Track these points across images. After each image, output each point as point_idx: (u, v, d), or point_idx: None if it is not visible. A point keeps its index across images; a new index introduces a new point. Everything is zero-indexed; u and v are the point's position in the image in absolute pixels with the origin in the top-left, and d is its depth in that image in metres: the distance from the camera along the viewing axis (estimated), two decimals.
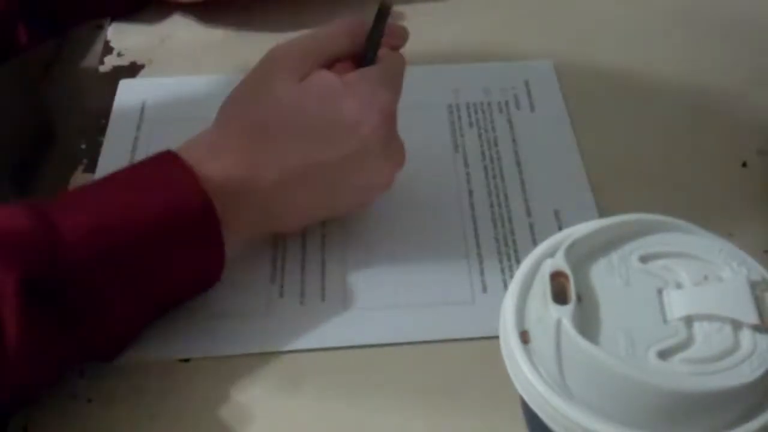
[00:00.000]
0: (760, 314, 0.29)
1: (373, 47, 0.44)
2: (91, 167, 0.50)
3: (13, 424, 0.39)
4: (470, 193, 0.48)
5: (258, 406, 0.40)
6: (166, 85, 0.56)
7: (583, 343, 0.28)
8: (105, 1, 0.60)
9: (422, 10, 0.61)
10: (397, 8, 0.61)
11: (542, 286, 0.30)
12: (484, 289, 0.44)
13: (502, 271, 0.44)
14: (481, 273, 0.44)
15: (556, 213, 0.47)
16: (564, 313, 0.28)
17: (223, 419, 0.39)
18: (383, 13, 0.44)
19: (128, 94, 0.55)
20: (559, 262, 0.30)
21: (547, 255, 0.31)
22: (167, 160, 0.39)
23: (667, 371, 0.28)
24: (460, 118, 0.53)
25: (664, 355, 0.28)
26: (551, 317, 0.29)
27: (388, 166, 0.43)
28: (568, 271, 0.30)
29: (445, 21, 0.60)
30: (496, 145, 0.51)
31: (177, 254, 0.39)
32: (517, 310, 0.31)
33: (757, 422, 0.28)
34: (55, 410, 0.40)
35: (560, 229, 0.46)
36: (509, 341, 0.30)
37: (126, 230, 0.37)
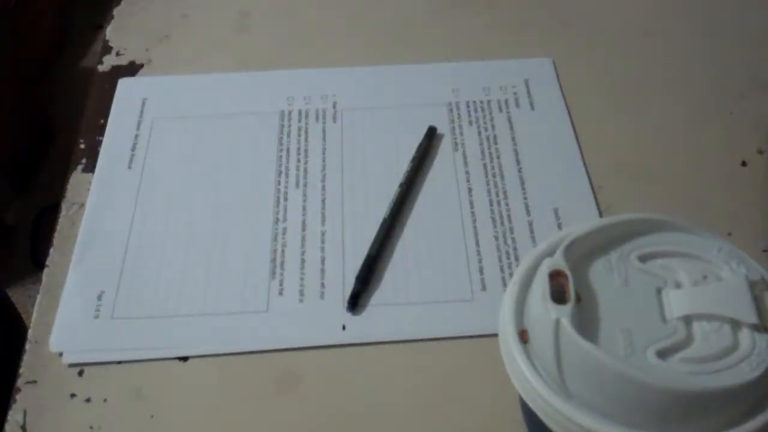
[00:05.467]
0: (759, 314, 0.29)
1: None
2: (91, 167, 0.50)
3: (12, 423, 0.39)
4: (470, 191, 0.48)
5: (257, 405, 0.40)
6: (165, 84, 0.56)
7: (582, 343, 0.28)
8: None
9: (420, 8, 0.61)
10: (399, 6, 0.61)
11: (541, 286, 0.30)
12: (483, 287, 0.44)
13: (501, 269, 0.44)
14: (480, 271, 0.44)
15: (556, 211, 0.47)
16: (563, 313, 0.28)
17: (222, 418, 0.39)
18: None
19: (127, 93, 0.55)
20: (558, 262, 0.30)
21: (546, 254, 0.31)
22: None
23: (666, 371, 0.28)
24: (459, 116, 0.53)
25: (663, 354, 0.28)
26: (550, 316, 0.28)
27: None
28: (567, 270, 0.30)
29: (444, 19, 0.60)
30: (495, 143, 0.51)
31: None
32: (515, 309, 0.31)
33: (756, 422, 0.27)
34: (54, 409, 0.40)
35: (559, 227, 0.46)
36: (508, 340, 0.30)
37: None
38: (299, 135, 0.52)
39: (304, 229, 0.47)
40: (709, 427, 0.27)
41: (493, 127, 0.52)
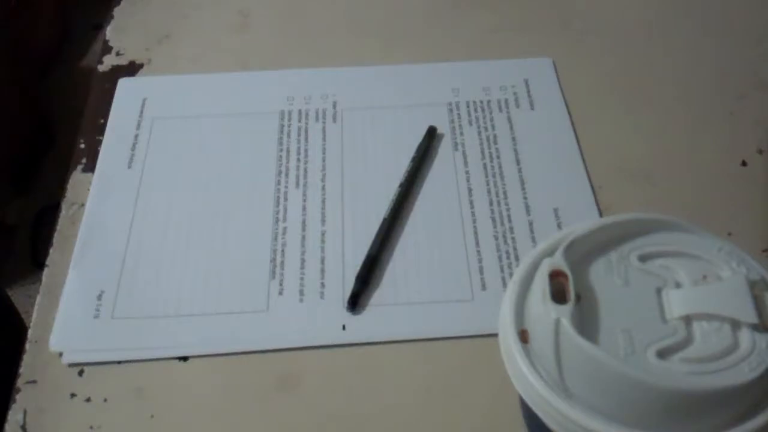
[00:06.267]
0: (759, 314, 0.29)
1: None
2: (91, 166, 0.50)
3: (11, 423, 0.39)
4: (470, 191, 0.48)
5: (257, 405, 0.40)
6: (165, 83, 0.56)
7: (582, 343, 0.28)
8: None
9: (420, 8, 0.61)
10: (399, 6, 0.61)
11: (541, 285, 0.30)
12: (484, 287, 0.44)
13: (502, 269, 0.44)
14: (481, 271, 0.44)
15: (556, 211, 0.47)
16: (563, 313, 0.28)
17: (222, 418, 0.39)
18: None
19: (127, 93, 0.55)
20: (558, 262, 0.30)
21: (546, 254, 0.31)
22: None
23: (666, 371, 0.28)
24: (459, 116, 0.53)
25: (663, 354, 0.28)
26: (550, 316, 0.28)
27: None
28: (567, 270, 0.30)
29: (444, 19, 0.60)
30: (495, 143, 0.51)
31: None
32: (515, 309, 0.31)
33: (756, 422, 0.27)
34: (54, 409, 0.40)
35: (559, 227, 0.46)
36: (508, 340, 0.30)
37: None
38: (299, 135, 0.52)
39: (304, 229, 0.47)
40: (710, 427, 0.27)
41: (493, 127, 0.52)
